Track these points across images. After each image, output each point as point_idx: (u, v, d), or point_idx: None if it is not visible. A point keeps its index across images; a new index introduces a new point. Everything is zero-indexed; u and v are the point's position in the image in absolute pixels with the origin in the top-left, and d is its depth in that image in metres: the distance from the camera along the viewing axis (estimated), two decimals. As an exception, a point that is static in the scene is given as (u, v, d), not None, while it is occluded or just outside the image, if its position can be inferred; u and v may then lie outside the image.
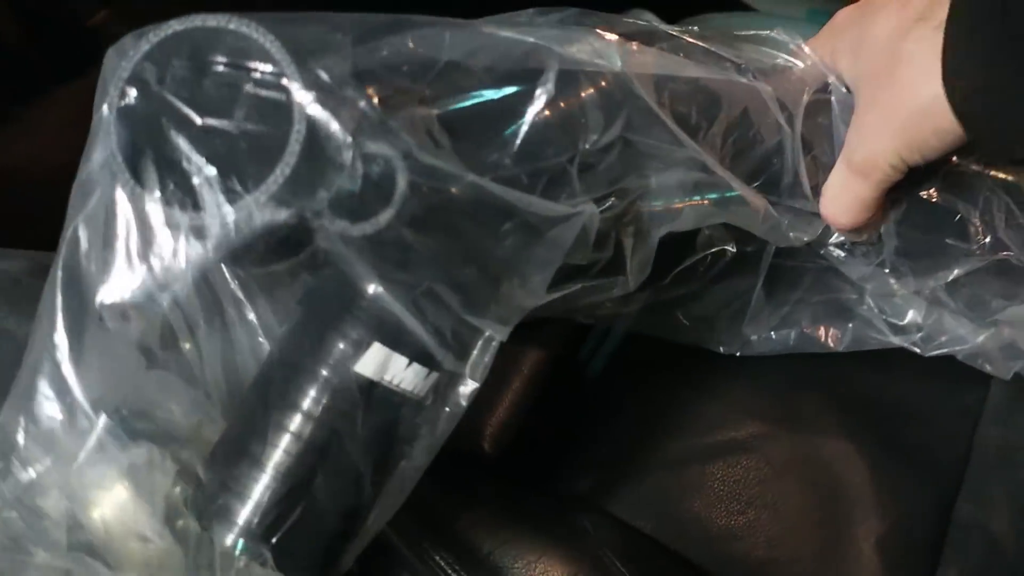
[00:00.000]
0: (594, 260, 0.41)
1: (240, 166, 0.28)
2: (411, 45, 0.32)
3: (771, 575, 0.52)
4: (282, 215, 0.29)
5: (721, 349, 0.57)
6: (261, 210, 0.29)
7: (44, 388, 0.32)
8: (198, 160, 0.28)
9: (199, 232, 0.29)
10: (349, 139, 0.29)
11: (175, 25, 0.29)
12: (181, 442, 0.34)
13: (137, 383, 0.33)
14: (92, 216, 0.31)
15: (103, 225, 0.31)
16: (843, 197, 0.43)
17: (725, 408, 0.57)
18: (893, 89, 0.39)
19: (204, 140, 0.29)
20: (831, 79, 0.43)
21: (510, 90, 0.34)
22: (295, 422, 0.32)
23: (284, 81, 0.28)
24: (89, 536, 0.32)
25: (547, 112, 0.34)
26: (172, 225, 0.30)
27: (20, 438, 0.33)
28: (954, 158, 0.47)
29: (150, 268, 0.31)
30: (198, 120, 0.28)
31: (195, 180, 0.29)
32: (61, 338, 0.32)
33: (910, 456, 0.57)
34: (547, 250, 0.34)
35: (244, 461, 0.32)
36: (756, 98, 0.41)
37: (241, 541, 0.32)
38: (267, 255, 0.32)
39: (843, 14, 0.44)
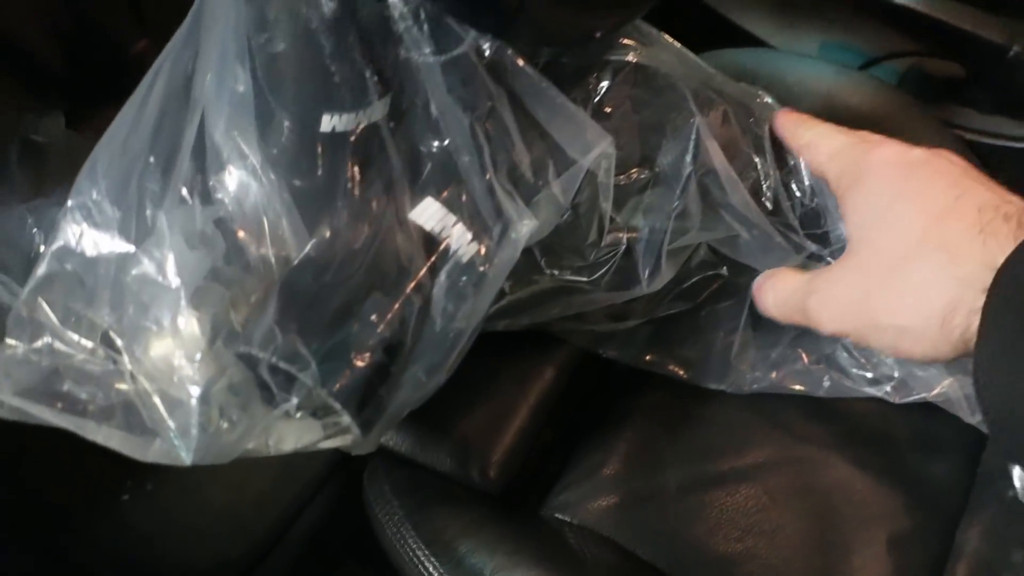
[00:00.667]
0: (606, 253, 0.46)
1: None
2: None
3: (770, 602, 0.53)
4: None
5: (711, 385, 0.59)
6: None
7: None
8: None
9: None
10: None
11: None
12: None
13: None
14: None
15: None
16: (786, 310, 0.44)
17: (725, 436, 0.58)
18: (899, 288, 0.37)
19: None
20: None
21: None
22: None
23: None
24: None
25: None
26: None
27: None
28: None
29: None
30: None
31: None
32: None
33: (910, 484, 0.58)
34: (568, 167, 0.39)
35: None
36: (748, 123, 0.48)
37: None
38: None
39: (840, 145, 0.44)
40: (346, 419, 0.37)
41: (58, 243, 0.37)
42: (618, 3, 0.42)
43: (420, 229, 0.37)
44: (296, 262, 0.37)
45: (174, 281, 0.36)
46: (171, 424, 0.36)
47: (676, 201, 0.46)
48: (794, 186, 0.49)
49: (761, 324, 0.56)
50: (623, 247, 0.48)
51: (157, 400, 0.36)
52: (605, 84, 0.44)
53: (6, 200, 0.43)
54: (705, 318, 0.58)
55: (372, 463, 0.57)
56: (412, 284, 0.37)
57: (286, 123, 0.37)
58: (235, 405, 0.37)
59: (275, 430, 0.39)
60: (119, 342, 0.37)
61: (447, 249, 0.37)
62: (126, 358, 0.37)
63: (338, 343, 0.36)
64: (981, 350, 0.33)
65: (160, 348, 0.36)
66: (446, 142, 0.37)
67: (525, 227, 0.39)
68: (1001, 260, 0.34)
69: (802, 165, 0.48)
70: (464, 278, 0.38)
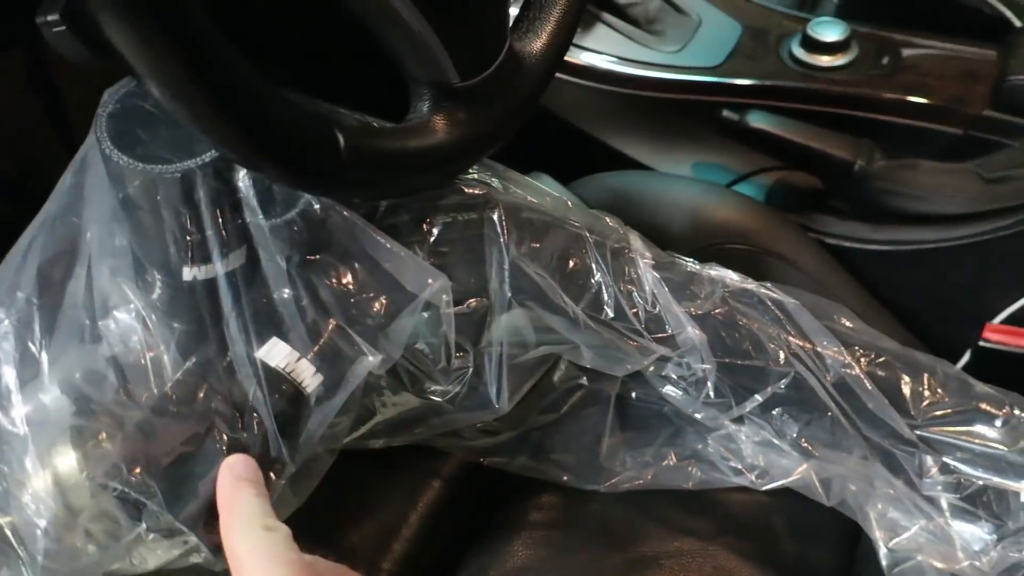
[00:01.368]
0: (457, 375, 0.51)
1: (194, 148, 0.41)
2: None
3: None
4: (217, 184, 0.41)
5: (588, 487, 0.61)
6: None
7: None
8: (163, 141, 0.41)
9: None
10: None
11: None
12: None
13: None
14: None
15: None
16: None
17: (607, 535, 0.61)
18: None
19: (169, 131, 0.41)
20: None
21: None
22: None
23: None
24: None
25: None
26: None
27: None
28: (739, 280, 0.56)
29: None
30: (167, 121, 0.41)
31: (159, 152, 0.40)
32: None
33: (789, 570, 0.62)
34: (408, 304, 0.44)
35: None
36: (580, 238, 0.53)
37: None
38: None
39: None
40: (193, 539, 0.41)
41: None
42: (435, 169, 0.47)
43: (266, 366, 0.41)
44: (156, 399, 0.42)
45: (22, 430, 0.41)
46: (20, 553, 0.40)
47: (502, 320, 0.51)
48: (636, 294, 0.53)
49: (631, 427, 0.61)
50: (470, 370, 0.52)
51: (8, 531, 0.41)
52: (438, 227, 0.49)
53: None
54: (573, 425, 0.61)
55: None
56: (256, 417, 0.41)
57: (156, 274, 0.42)
58: (100, 531, 0.41)
59: (136, 551, 0.43)
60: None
61: (292, 383, 0.42)
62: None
63: (185, 472, 0.40)
64: None
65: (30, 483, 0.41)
66: (285, 293, 0.42)
67: (367, 362, 0.43)
68: None
69: (642, 271, 0.53)
70: (307, 407, 0.42)
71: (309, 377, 0.42)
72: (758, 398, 0.54)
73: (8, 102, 0.65)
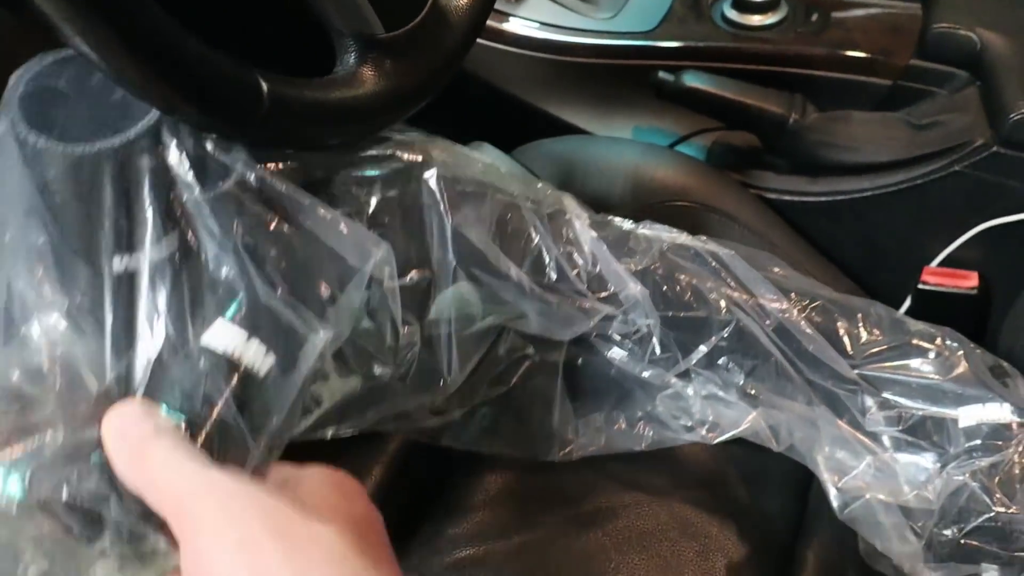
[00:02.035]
0: (406, 351, 0.49)
1: (116, 125, 0.39)
2: None
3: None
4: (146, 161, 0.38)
5: (542, 458, 0.61)
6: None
7: None
8: (80, 120, 0.38)
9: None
10: None
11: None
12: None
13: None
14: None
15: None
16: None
17: (561, 496, 0.63)
18: None
19: (87, 110, 0.39)
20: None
21: None
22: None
23: None
24: None
25: None
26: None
27: None
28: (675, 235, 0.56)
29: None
30: (84, 99, 0.39)
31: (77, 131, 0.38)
32: None
33: (743, 515, 0.64)
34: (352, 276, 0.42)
35: None
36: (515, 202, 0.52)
37: None
38: None
39: None
40: (162, 543, 0.37)
41: None
42: (361, 121, 0.47)
43: (212, 352, 0.38)
44: (93, 400, 0.38)
45: None
46: None
47: (448, 292, 0.50)
48: (575, 255, 0.54)
49: (579, 394, 0.61)
50: (417, 346, 0.51)
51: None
52: (375, 196, 0.48)
53: None
54: (523, 397, 0.61)
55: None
56: (211, 405, 0.38)
57: (82, 268, 0.39)
58: (44, 555, 0.36)
59: (93, 571, 0.38)
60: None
61: (242, 366, 0.39)
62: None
63: None
64: None
65: None
66: (227, 270, 0.39)
67: (318, 337, 0.40)
68: None
69: (579, 232, 0.54)
70: (262, 391, 0.39)
71: (261, 358, 0.39)
72: (703, 348, 0.55)
73: None
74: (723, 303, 0.54)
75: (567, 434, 0.61)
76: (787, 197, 0.85)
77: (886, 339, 0.56)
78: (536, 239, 0.53)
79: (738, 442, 0.59)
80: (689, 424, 0.59)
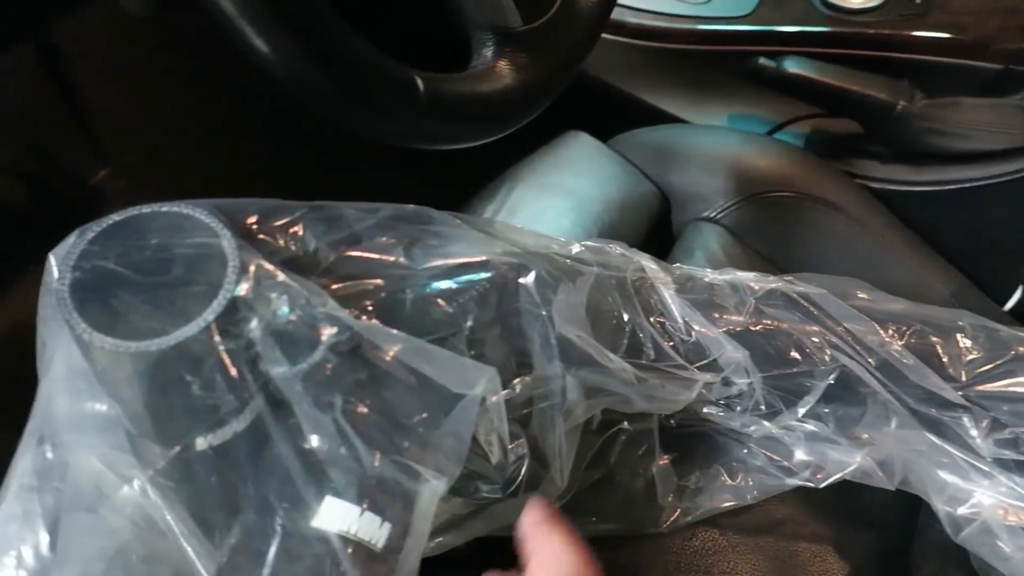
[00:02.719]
0: (514, 466, 0.46)
1: (184, 307, 0.34)
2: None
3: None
4: (226, 344, 0.33)
5: (649, 530, 0.59)
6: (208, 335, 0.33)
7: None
8: (143, 306, 0.33)
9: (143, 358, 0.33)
10: (276, 275, 0.34)
11: (114, 217, 0.35)
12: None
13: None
14: (54, 378, 0.34)
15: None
16: None
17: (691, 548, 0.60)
18: None
19: (147, 292, 0.34)
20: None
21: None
22: None
23: (217, 237, 0.35)
24: None
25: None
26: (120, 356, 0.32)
27: None
28: (760, 280, 0.54)
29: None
30: (141, 279, 0.34)
31: (144, 321, 0.33)
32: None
33: (858, 514, 0.62)
34: (457, 414, 0.39)
35: None
36: (600, 280, 0.49)
37: None
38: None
39: None
40: None
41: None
42: (502, 115, 0.46)
43: (326, 535, 0.35)
44: None
45: None
46: None
47: (559, 399, 0.47)
48: (668, 325, 0.52)
49: (674, 455, 0.59)
50: (527, 458, 0.48)
51: None
52: (472, 313, 0.44)
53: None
54: (622, 473, 0.59)
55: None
56: None
57: (157, 448, 0.35)
58: None
59: None
60: None
61: (359, 544, 0.35)
62: None
63: None
64: None
65: None
66: (327, 444, 0.36)
67: (429, 490, 0.38)
68: None
69: (668, 301, 0.51)
70: (382, 564, 0.36)
71: (377, 530, 0.36)
72: (810, 400, 0.54)
73: (22, 94, 0.65)
74: (826, 350, 0.53)
75: (671, 499, 0.59)
76: (891, 186, 0.83)
77: (986, 355, 0.54)
78: (627, 317, 0.51)
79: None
80: (789, 467, 0.58)
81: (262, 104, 0.88)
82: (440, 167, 0.88)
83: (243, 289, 0.34)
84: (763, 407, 0.54)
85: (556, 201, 0.80)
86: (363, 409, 0.37)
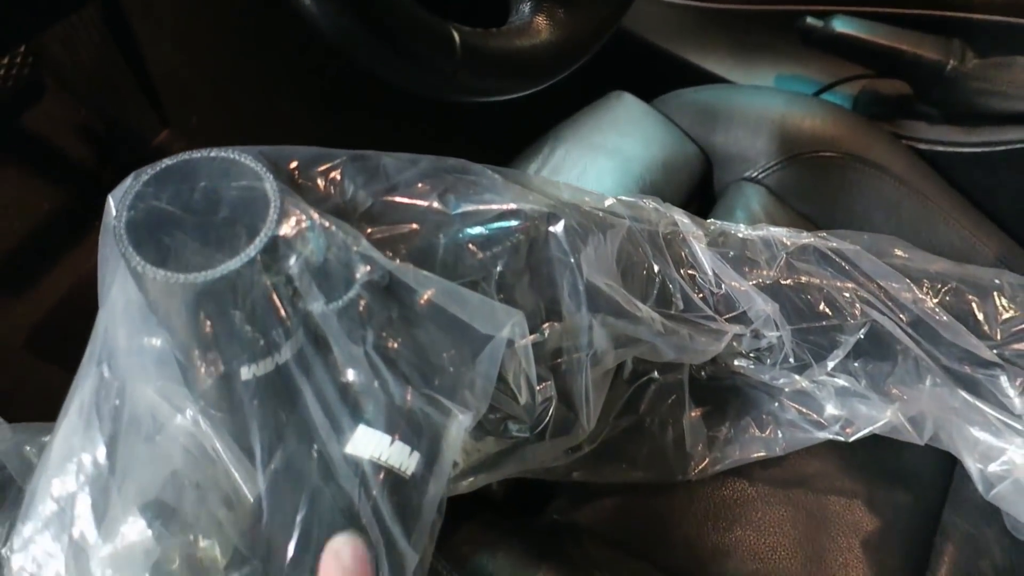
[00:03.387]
0: (542, 407, 0.48)
1: (230, 244, 0.36)
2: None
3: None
4: (268, 278, 0.35)
5: (679, 478, 0.60)
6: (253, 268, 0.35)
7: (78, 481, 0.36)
8: (192, 243, 0.35)
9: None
10: (315, 217, 0.36)
11: (166, 161, 0.37)
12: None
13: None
14: (112, 307, 0.37)
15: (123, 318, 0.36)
16: None
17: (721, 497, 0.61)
18: None
19: (196, 230, 0.36)
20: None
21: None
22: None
23: (261, 181, 0.37)
24: None
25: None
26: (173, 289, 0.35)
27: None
28: (793, 236, 0.53)
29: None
30: (190, 218, 0.36)
31: (192, 256, 0.35)
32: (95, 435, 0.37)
33: (890, 471, 0.62)
34: (485, 354, 0.40)
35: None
36: (631, 232, 0.50)
37: None
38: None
39: None
40: None
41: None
42: (539, 70, 0.47)
43: (358, 461, 0.37)
44: (248, 515, 0.37)
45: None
46: None
47: (586, 349, 0.48)
48: (699, 278, 0.53)
49: (705, 406, 0.60)
50: (554, 400, 0.48)
51: None
52: (502, 260, 0.45)
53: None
54: (652, 422, 0.60)
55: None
56: (364, 519, 0.37)
57: (207, 379, 0.37)
58: None
59: None
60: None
61: (390, 471, 0.37)
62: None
63: None
64: None
65: None
66: (360, 376, 0.38)
67: (458, 423, 0.39)
68: None
69: (699, 254, 0.52)
70: (412, 490, 0.38)
71: (406, 458, 0.37)
72: (839, 354, 0.55)
73: (88, 53, 0.67)
74: (856, 305, 0.53)
75: (700, 449, 0.60)
76: (940, 148, 0.82)
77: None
78: (657, 268, 0.51)
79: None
80: (820, 420, 0.59)
81: (319, 67, 0.90)
82: (485, 126, 0.90)
83: (284, 229, 0.36)
84: (792, 360, 0.55)
85: (599, 161, 0.81)
86: (395, 345, 0.39)
